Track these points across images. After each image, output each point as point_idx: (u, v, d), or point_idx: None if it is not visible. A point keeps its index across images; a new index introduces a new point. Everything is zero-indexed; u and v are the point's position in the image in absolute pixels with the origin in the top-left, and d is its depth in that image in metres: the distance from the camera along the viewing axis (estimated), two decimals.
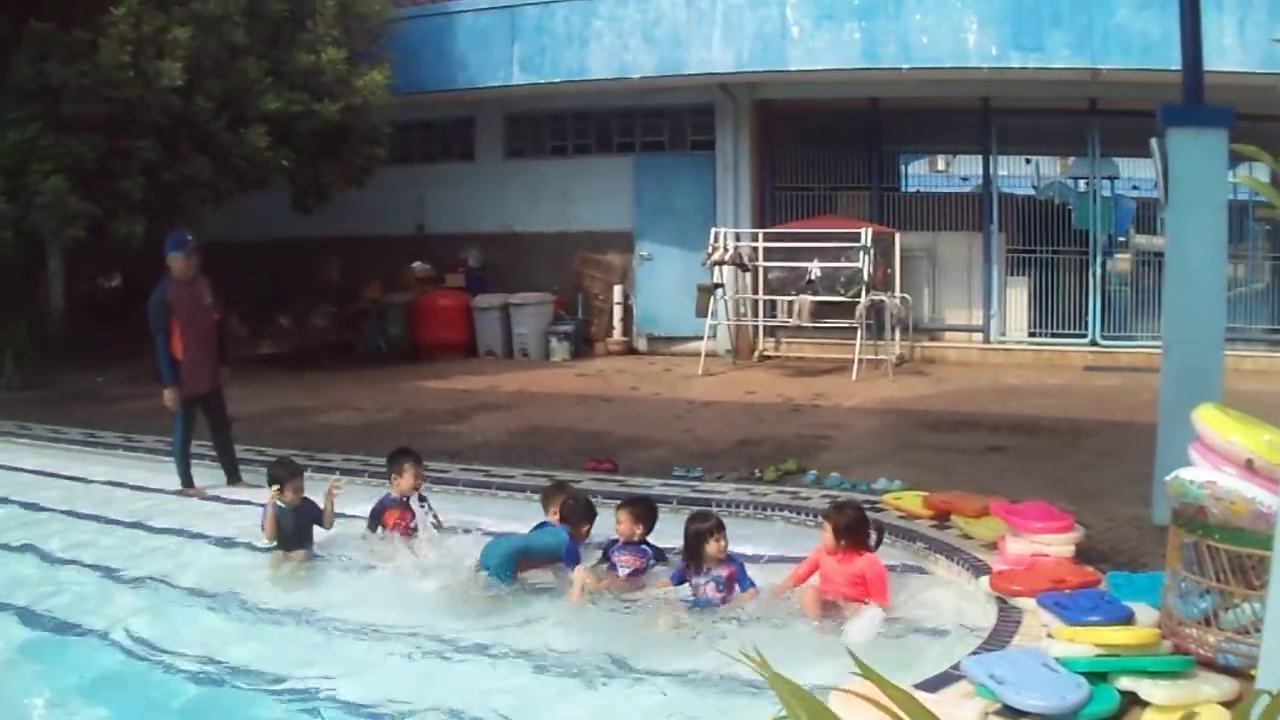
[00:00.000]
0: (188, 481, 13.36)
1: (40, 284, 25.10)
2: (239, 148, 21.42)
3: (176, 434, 13.42)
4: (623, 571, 9.59)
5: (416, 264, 27.39)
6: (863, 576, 8.87)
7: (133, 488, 13.68)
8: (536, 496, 11.14)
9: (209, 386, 13.48)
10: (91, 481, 14.09)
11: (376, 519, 10.99)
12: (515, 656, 8.13)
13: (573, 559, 9.81)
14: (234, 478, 13.65)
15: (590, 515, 10.35)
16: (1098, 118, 23.56)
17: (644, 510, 9.94)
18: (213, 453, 13.80)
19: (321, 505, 10.96)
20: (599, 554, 10.00)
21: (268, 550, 10.76)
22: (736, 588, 9.08)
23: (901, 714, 2.36)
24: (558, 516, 10.29)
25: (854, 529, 9.04)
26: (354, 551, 10.72)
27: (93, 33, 19.34)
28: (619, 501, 10.26)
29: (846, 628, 8.33)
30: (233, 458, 13.75)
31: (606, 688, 7.59)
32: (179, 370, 13.11)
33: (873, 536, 9.16)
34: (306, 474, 11.31)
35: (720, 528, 9.27)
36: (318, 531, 10.91)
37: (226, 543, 11.34)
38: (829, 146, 26.19)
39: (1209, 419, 6.96)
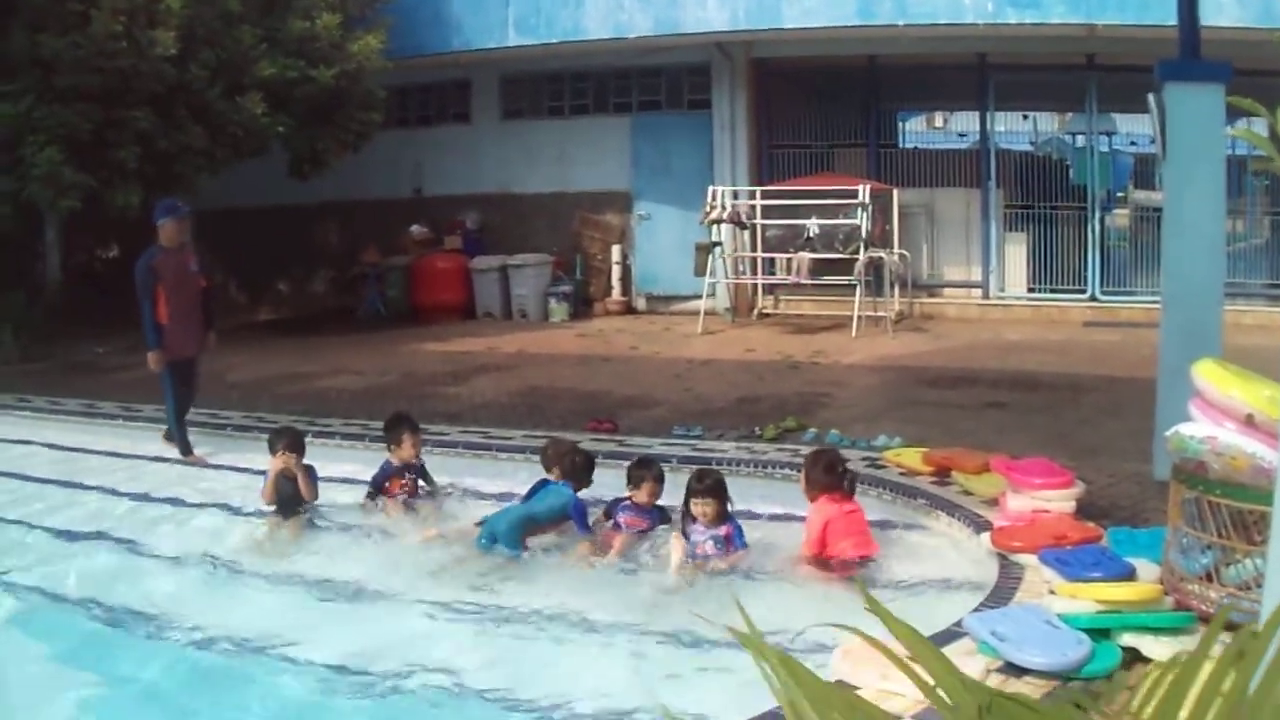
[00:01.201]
0: (186, 449, 13.44)
1: (38, 256, 25.06)
2: (235, 115, 21.37)
3: (169, 402, 13.52)
4: (628, 532, 9.61)
5: (414, 227, 27.31)
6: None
7: (123, 456, 13.76)
8: (536, 458, 11.13)
9: (194, 352, 13.70)
10: (92, 452, 14.12)
11: (378, 487, 11.04)
12: (518, 620, 8.16)
13: (580, 516, 9.86)
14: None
15: (590, 469, 10.37)
16: (1095, 73, 23.49)
17: (661, 478, 9.93)
18: (214, 421, 13.89)
19: (318, 471, 11.08)
20: (600, 510, 10.06)
21: (265, 515, 10.83)
22: (734, 547, 9.14)
23: (907, 654, 2.35)
24: (559, 473, 10.29)
25: (821, 475, 9.26)
26: (353, 518, 10.76)
27: (85, 3, 19.29)
28: (639, 466, 10.15)
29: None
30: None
31: (610, 649, 7.63)
32: (163, 334, 13.22)
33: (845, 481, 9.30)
34: (307, 439, 11.38)
35: (708, 492, 9.33)
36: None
37: (209, 508, 11.43)
38: (826, 104, 26.22)
39: (1208, 374, 6.95)
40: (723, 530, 9.18)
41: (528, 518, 9.80)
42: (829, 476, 9.23)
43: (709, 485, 9.42)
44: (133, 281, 13.31)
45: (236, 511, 11.21)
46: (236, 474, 12.56)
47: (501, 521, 9.66)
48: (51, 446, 14.38)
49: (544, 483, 10.50)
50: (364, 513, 10.86)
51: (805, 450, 11.16)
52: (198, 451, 13.51)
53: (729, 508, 9.36)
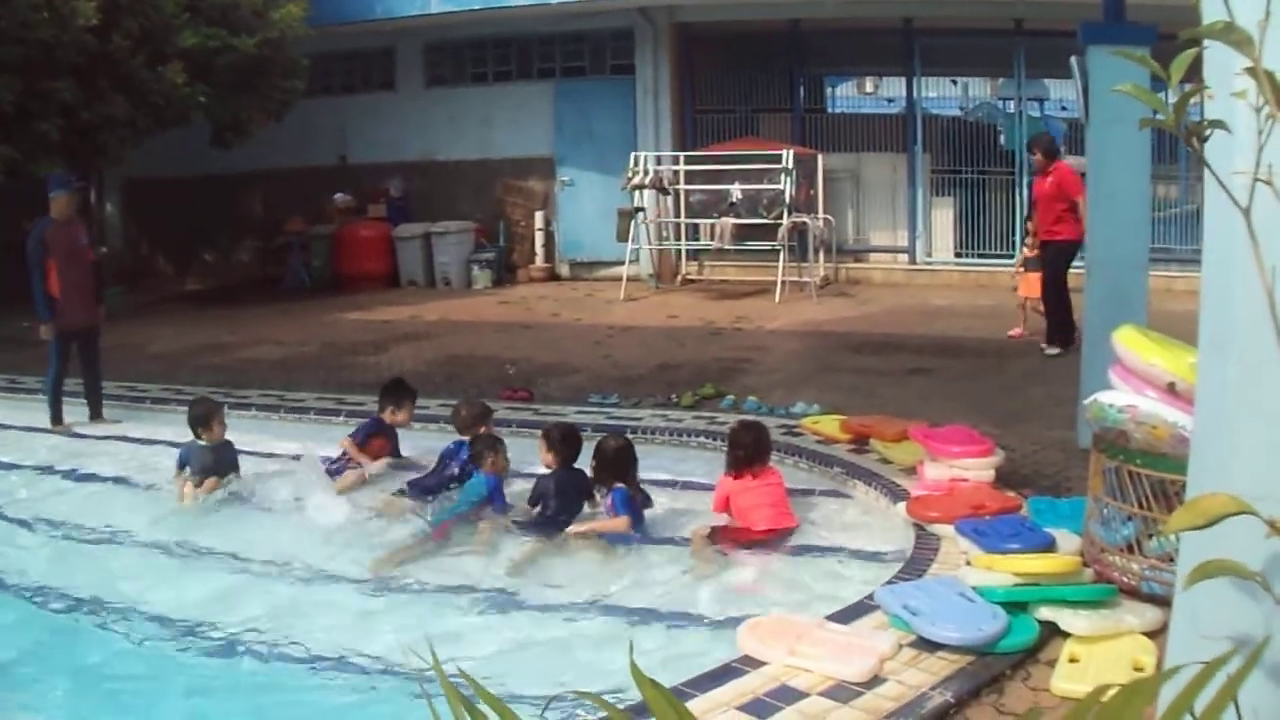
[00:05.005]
0: (57, 419, 13.56)
1: None
2: (157, 85, 21.09)
3: (51, 371, 13.63)
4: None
5: (338, 195, 27.14)
6: None
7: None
8: (449, 427, 11.03)
9: (85, 323, 13.75)
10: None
11: (366, 436, 11.13)
12: (444, 591, 8.10)
13: (500, 498, 9.69)
14: (96, 414, 13.85)
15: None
16: (1023, 38, 23.44)
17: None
18: (132, 394, 13.92)
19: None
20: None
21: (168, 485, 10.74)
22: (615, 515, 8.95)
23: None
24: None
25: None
26: (271, 484, 10.56)
27: None
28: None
29: None
30: (99, 395, 13.95)
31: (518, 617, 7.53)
32: (55, 306, 13.46)
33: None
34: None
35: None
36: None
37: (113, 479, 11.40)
38: (750, 69, 26.07)
39: (1129, 341, 6.82)
40: (606, 502, 9.05)
41: (464, 514, 9.67)
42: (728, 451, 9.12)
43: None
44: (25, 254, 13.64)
45: (140, 485, 11.07)
46: (152, 446, 12.39)
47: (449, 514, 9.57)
48: None
49: (460, 445, 10.47)
50: (281, 479, 10.62)
51: (722, 418, 11.06)
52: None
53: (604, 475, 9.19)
